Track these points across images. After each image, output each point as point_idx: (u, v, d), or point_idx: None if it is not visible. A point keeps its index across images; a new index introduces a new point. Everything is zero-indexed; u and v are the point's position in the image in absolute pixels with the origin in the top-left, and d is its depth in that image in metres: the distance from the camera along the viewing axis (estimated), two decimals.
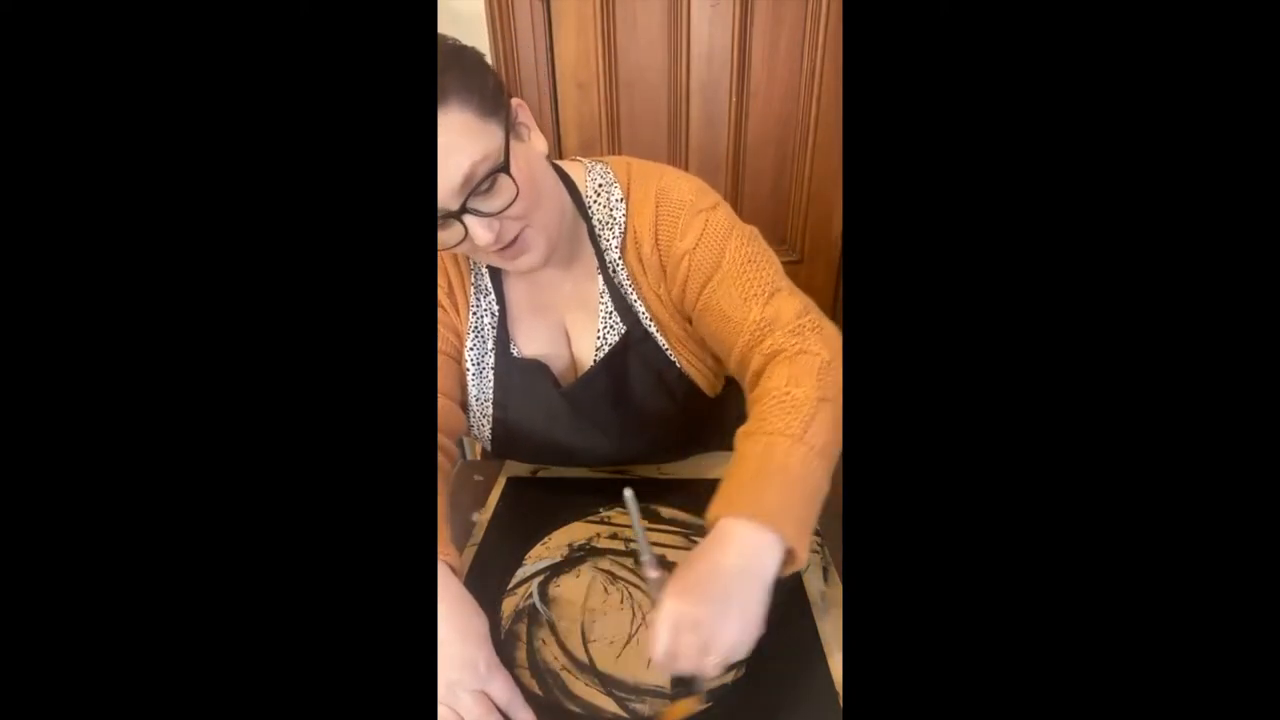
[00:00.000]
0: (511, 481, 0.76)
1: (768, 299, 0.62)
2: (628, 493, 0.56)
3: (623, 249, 0.66)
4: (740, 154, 1.44)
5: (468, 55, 0.54)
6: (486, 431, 0.73)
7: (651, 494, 0.72)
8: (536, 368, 0.68)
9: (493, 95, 0.53)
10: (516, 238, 0.56)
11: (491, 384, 0.70)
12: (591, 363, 0.69)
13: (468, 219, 0.53)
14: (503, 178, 0.53)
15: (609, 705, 0.48)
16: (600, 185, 0.67)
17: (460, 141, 0.50)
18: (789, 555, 0.48)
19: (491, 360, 0.69)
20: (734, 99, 1.39)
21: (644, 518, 0.68)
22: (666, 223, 0.64)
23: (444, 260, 0.68)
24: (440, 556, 0.51)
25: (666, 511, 0.69)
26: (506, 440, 0.73)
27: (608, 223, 0.66)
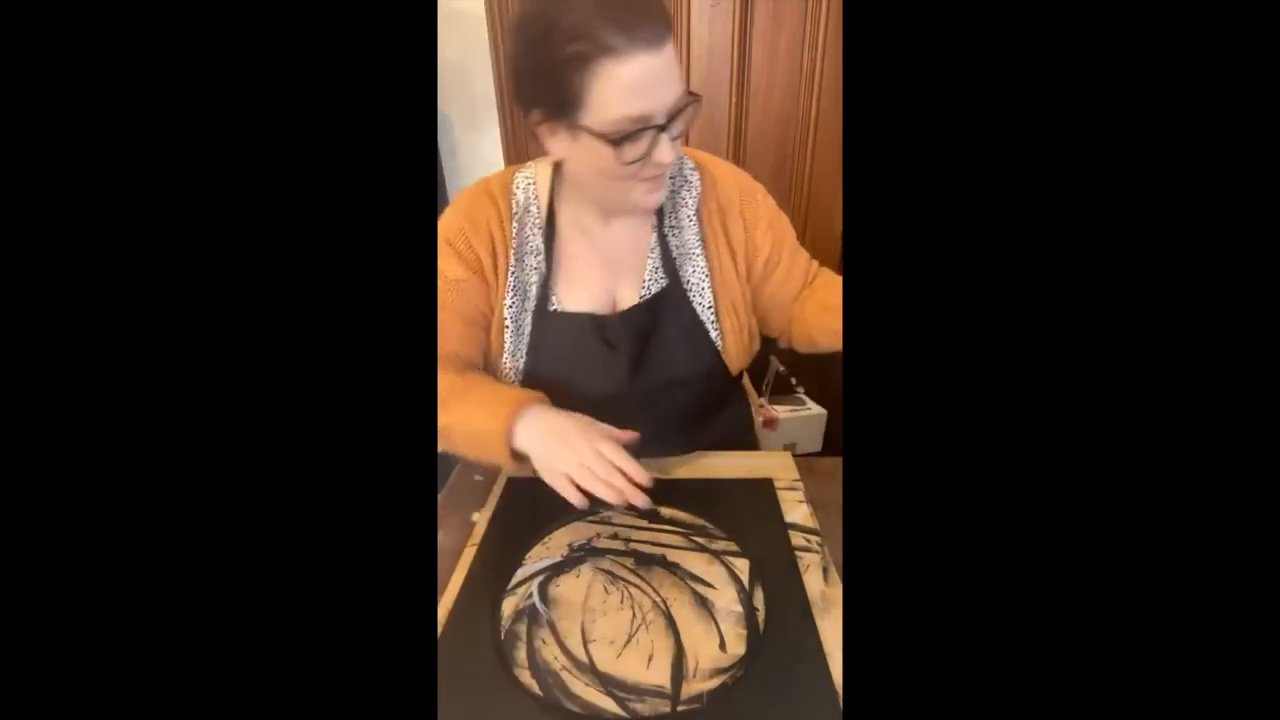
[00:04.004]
0: (511, 481, 0.76)
1: (812, 264, 0.83)
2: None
3: (700, 207, 0.76)
4: (740, 154, 1.44)
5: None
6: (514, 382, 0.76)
7: (651, 494, 0.72)
8: (579, 318, 0.74)
9: None
10: (664, 171, 0.64)
11: (528, 338, 0.74)
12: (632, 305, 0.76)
13: (663, 136, 0.60)
14: (690, 106, 0.62)
15: (609, 705, 0.48)
16: None
17: (674, 71, 0.59)
18: None
19: (529, 318, 0.74)
20: (734, 99, 1.39)
21: (643, 518, 0.69)
22: (749, 200, 0.78)
23: (491, 224, 0.73)
24: (530, 398, 0.64)
25: (666, 511, 0.69)
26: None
27: (681, 184, 0.76)
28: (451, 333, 0.72)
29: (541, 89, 0.59)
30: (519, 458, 0.63)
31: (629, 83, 0.56)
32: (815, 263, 0.83)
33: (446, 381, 0.68)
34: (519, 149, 1.44)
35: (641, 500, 0.59)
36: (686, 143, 1.48)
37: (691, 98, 0.61)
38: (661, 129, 0.59)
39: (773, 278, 0.79)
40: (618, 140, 0.58)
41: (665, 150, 0.61)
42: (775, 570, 0.61)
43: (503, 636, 0.54)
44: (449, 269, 0.71)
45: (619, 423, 0.79)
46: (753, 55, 1.35)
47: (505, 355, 0.75)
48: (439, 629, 0.55)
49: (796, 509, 0.69)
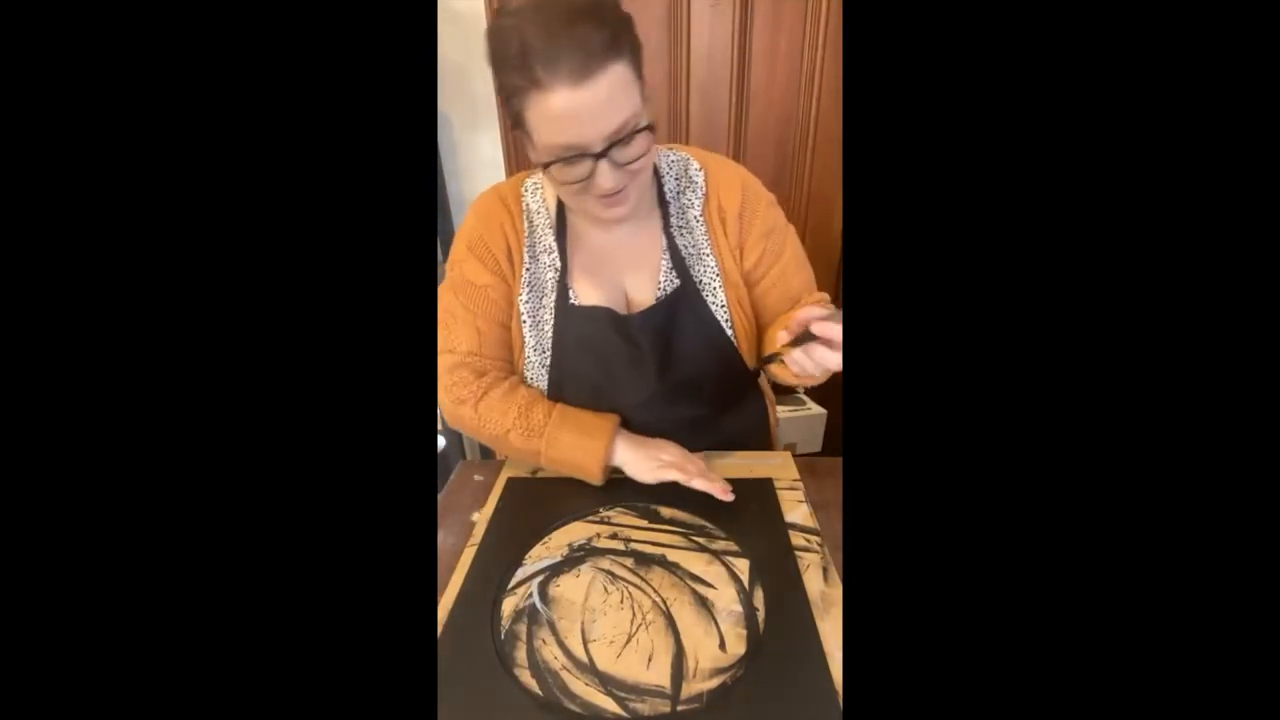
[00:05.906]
0: (511, 481, 0.76)
1: (811, 289, 0.82)
2: None
3: (704, 209, 0.76)
4: (741, 154, 1.44)
5: (626, 16, 0.59)
6: (543, 381, 0.78)
7: (651, 494, 0.72)
8: (598, 311, 0.75)
9: (639, 57, 0.60)
10: (623, 190, 0.63)
11: (550, 333, 0.76)
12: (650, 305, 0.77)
13: (602, 163, 0.60)
14: (642, 134, 0.60)
15: (609, 705, 0.48)
16: (674, 160, 0.77)
17: (621, 94, 0.57)
18: None
19: (548, 314, 0.76)
20: (734, 99, 1.39)
21: (643, 518, 0.69)
22: (750, 206, 0.77)
23: (504, 226, 0.75)
24: (616, 419, 0.73)
25: (666, 511, 0.69)
26: (559, 385, 0.79)
27: (686, 186, 0.76)
28: (492, 338, 0.77)
29: (505, 108, 0.62)
30: (608, 471, 0.72)
31: (552, 114, 0.57)
32: (817, 294, 0.81)
33: (535, 403, 0.75)
34: (519, 149, 1.44)
35: (729, 494, 0.68)
36: (688, 142, 1.50)
37: (643, 126, 0.60)
38: (600, 156, 0.59)
39: (758, 286, 0.79)
40: (548, 164, 0.61)
41: (604, 177, 0.61)
42: (775, 570, 0.61)
43: (503, 636, 0.54)
44: (475, 276, 0.75)
45: (651, 423, 0.81)
46: (753, 55, 1.35)
47: (527, 350, 0.78)
48: (439, 629, 0.55)
49: (796, 509, 0.69)
